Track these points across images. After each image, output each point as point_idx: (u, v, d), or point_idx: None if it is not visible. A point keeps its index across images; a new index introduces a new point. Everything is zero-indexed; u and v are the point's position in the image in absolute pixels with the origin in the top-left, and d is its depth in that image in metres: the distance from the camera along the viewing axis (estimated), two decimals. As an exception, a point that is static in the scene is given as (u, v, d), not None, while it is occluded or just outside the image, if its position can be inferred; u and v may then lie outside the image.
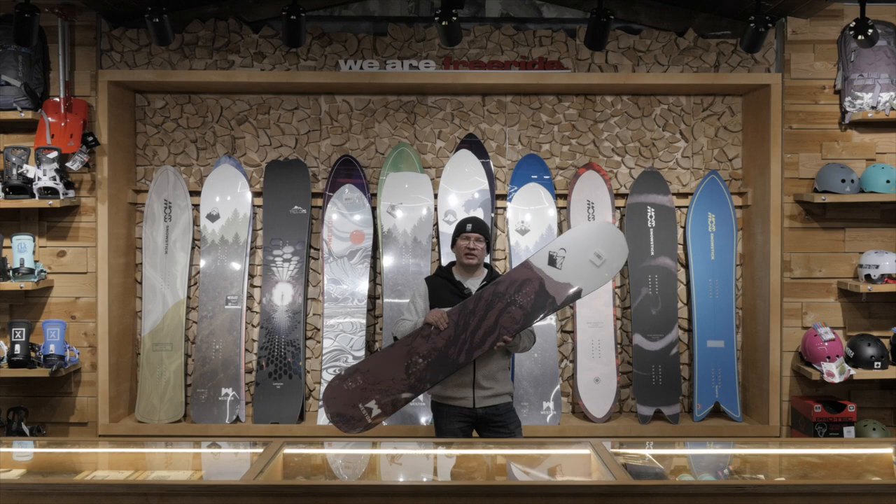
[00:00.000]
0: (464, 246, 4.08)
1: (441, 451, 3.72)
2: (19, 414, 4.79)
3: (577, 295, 4.04)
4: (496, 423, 4.05)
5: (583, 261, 4.02)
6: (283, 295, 5.09)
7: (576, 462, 3.61)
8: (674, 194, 5.20)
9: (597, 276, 4.03)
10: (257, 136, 5.26)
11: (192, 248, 5.18)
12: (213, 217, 5.13)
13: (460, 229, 4.12)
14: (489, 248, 4.17)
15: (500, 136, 5.25)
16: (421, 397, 4.94)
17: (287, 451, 3.45)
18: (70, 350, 4.85)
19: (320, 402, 4.97)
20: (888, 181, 4.75)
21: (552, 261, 4.00)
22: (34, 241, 4.83)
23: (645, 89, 5.12)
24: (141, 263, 5.17)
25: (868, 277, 4.78)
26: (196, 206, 5.18)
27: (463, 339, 3.95)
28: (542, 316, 4.05)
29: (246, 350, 5.12)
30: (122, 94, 5.08)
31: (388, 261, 5.09)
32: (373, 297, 5.22)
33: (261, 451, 3.37)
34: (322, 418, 4.94)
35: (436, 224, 5.14)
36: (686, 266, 5.21)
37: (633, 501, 3.00)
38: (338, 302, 5.07)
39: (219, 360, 5.04)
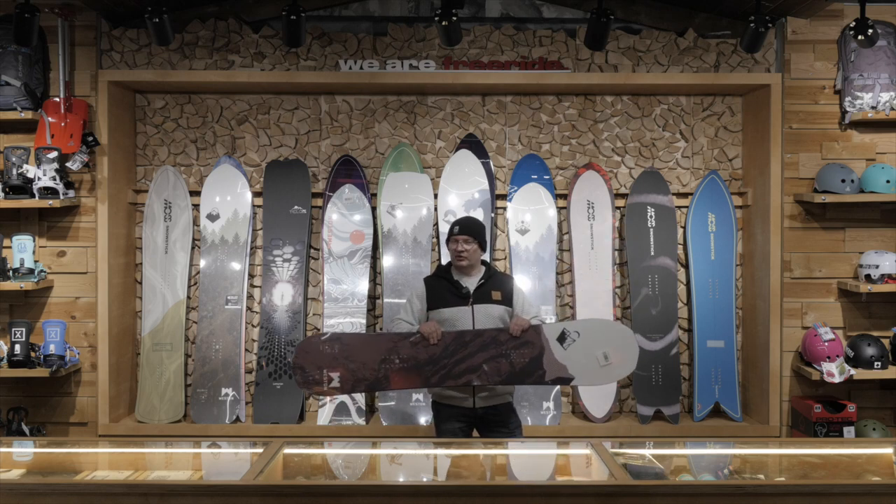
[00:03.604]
0: (453, 249, 4.07)
1: (441, 451, 3.72)
2: (19, 414, 4.79)
3: (567, 381, 3.99)
4: (496, 422, 4.04)
5: (590, 353, 3.95)
6: (283, 295, 5.09)
7: (576, 462, 3.61)
8: (674, 194, 5.20)
9: (594, 373, 3.97)
10: (257, 136, 5.26)
11: (192, 248, 5.18)
12: (213, 217, 5.13)
13: (450, 232, 4.11)
14: (484, 247, 4.14)
15: (500, 136, 5.25)
16: (421, 397, 4.95)
17: (287, 451, 3.45)
18: (70, 350, 4.85)
19: (320, 402, 4.98)
20: (888, 181, 4.75)
21: (562, 338, 3.95)
22: (34, 241, 4.83)
23: (645, 89, 5.12)
24: (141, 263, 5.18)
25: (868, 277, 4.78)
26: (196, 206, 5.18)
27: (443, 363, 3.92)
28: (524, 382, 4.01)
29: (246, 350, 5.12)
30: (122, 94, 5.08)
31: (388, 261, 5.09)
32: (373, 297, 5.22)
33: (261, 451, 3.37)
34: (322, 418, 4.94)
35: (436, 224, 5.14)
36: (686, 266, 5.21)
37: (633, 501, 3.00)
38: (338, 302, 5.07)
39: (219, 360, 5.04)
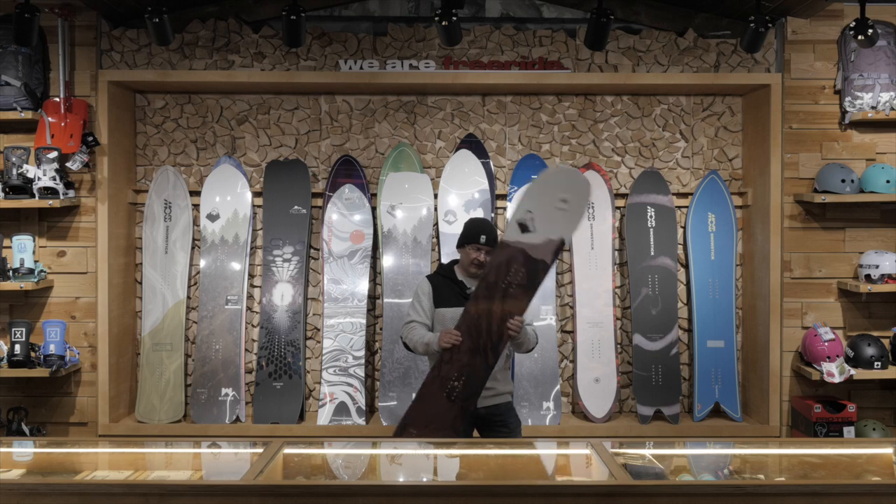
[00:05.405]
0: (474, 257, 3.99)
1: (441, 451, 3.72)
2: (19, 414, 4.79)
3: (562, 245, 3.93)
4: (497, 422, 4.04)
5: (552, 212, 3.88)
6: (283, 295, 5.09)
7: (576, 462, 3.61)
8: (674, 194, 5.20)
9: (570, 219, 3.92)
10: (257, 136, 5.26)
11: (192, 248, 5.18)
12: (213, 217, 5.13)
13: (473, 238, 4.01)
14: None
15: (500, 136, 5.25)
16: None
17: (287, 451, 3.45)
18: (70, 350, 4.85)
19: (320, 402, 4.98)
20: (888, 181, 4.75)
21: (524, 228, 3.87)
22: (34, 241, 4.83)
23: (645, 89, 5.12)
24: (141, 263, 5.18)
25: (868, 277, 4.78)
26: (196, 206, 5.18)
27: (482, 342, 3.88)
28: (540, 282, 3.95)
29: (246, 350, 5.12)
30: (122, 94, 5.08)
31: (388, 261, 5.09)
32: (373, 297, 5.22)
33: (261, 451, 3.37)
34: (322, 418, 4.94)
35: (436, 224, 5.14)
36: (686, 266, 5.21)
37: (633, 501, 3.00)
38: (338, 302, 5.07)
39: (219, 360, 5.04)
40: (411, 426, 3.93)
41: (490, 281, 3.89)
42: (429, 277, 4.15)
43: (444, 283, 4.08)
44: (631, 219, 5.14)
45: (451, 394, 3.89)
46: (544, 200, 3.90)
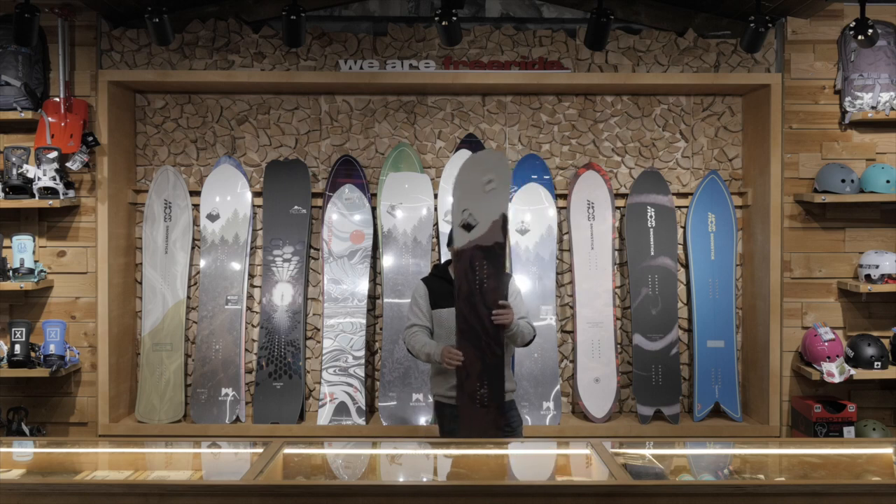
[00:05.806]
0: None
1: (441, 451, 3.72)
2: (19, 414, 4.79)
3: (504, 220, 3.95)
4: (499, 421, 4.05)
5: (484, 199, 3.93)
6: (283, 295, 5.09)
7: (576, 462, 3.61)
8: (674, 194, 5.20)
9: (501, 194, 3.96)
10: (257, 136, 5.26)
11: (192, 248, 5.18)
12: (213, 217, 5.13)
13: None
14: None
15: (500, 136, 5.25)
16: (420, 397, 4.95)
17: (287, 451, 3.45)
18: (70, 350, 4.85)
19: (320, 402, 4.98)
20: (888, 181, 4.75)
21: (468, 227, 3.92)
22: (34, 241, 4.83)
23: (645, 89, 5.12)
24: (141, 263, 5.18)
25: (868, 277, 4.78)
26: (196, 206, 5.18)
27: (484, 342, 3.90)
28: (504, 265, 3.99)
29: (246, 350, 5.12)
30: (122, 94, 5.08)
31: (388, 261, 5.09)
32: (373, 297, 5.22)
33: (261, 451, 3.37)
34: (322, 418, 4.94)
35: (436, 224, 5.14)
36: (686, 266, 5.21)
37: (633, 501, 3.00)
38: (338, 302, 5.07)
39: (219, 360, 5.04)
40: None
41: (464, 291, 3.92)
42: (424, 280, 4.15)
43: (439, 284, 4.09)
44: (631, 219, 5.14)
45: (483, 401, 3.93)
46: (473, 191, 3.94)
